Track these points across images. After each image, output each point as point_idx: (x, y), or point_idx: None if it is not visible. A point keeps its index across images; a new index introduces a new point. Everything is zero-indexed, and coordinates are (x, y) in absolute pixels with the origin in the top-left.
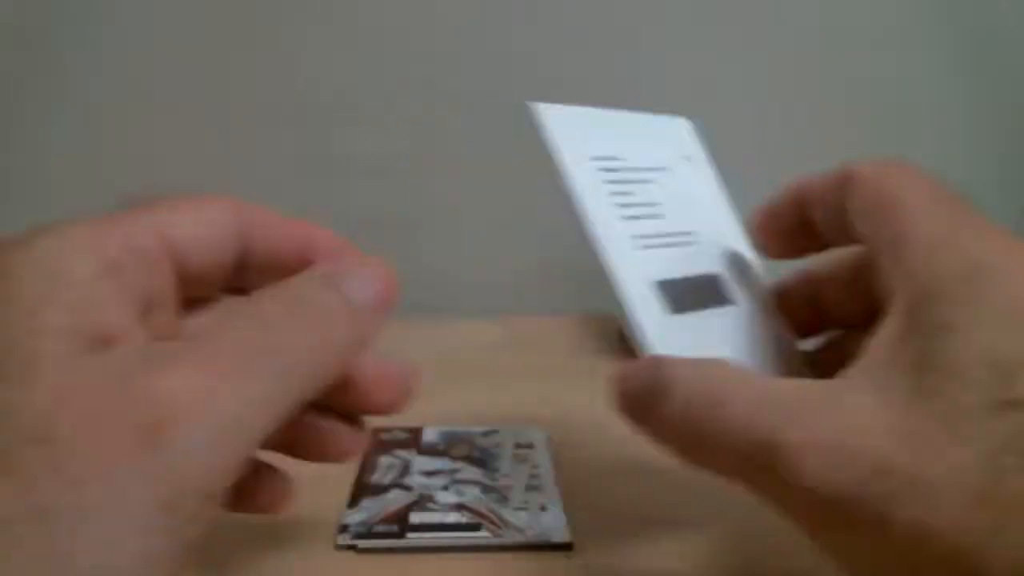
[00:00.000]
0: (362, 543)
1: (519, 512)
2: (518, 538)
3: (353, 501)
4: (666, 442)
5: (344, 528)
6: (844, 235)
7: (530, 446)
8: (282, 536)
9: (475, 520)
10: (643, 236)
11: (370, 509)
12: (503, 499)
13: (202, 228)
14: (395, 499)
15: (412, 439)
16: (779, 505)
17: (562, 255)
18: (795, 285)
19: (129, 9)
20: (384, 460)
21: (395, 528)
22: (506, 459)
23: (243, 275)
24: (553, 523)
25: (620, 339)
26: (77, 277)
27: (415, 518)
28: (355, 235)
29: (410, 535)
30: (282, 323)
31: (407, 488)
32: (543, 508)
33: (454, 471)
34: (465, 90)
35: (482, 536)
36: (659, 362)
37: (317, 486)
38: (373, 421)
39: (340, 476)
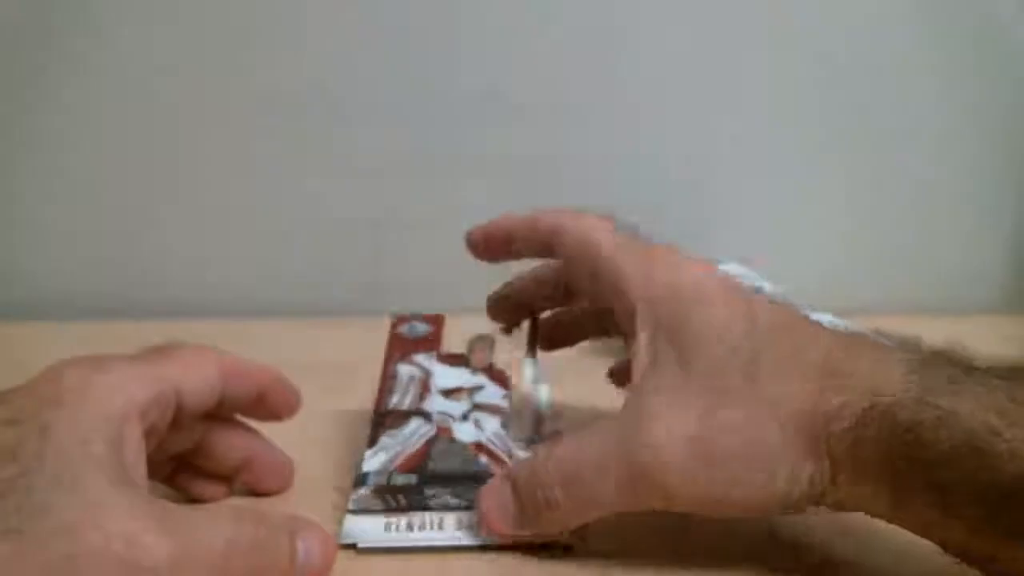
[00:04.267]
0: (363, 542)
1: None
2: None
3: (373, 438)
4: (560, 527)
5: (363, 479)
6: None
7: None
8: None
9: (490, 468)
10: None
11: (389, 449)
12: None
13: (201, 383)
14: (413, 434)
15: (433, 335)
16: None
17: None
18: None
19: (129, 9)
20: (404, 371)
21: (413, 480)
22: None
23: (217, 408)
24: None
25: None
26: (116, 415)
27: (433, 465)
28: (355, 235)
29: (426, 490)
30: (240, 551)
31: (426, 416)
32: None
33: (475, 390)
34: (465, 90)
35: (486, 540)
36: (506, 478)
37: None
38: (392, 305)
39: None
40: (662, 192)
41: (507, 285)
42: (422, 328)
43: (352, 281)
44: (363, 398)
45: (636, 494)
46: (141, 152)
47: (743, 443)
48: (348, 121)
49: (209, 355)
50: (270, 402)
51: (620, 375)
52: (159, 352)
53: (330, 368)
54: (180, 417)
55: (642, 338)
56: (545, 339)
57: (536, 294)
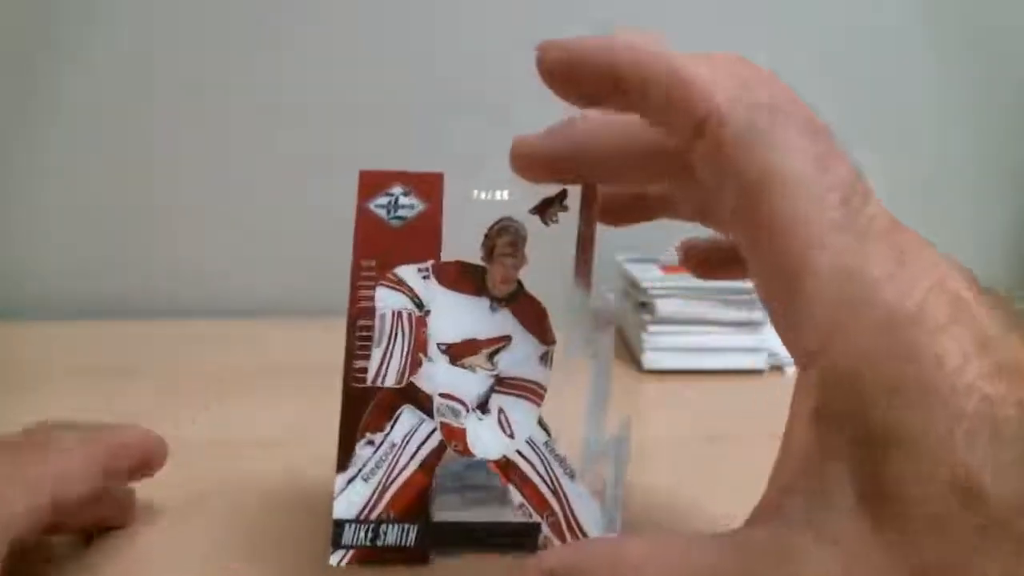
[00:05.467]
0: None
1: (583, 490)
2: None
3: (343, 452)
4: None
5: (339, 534)
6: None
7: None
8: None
9: (531, 519)
10: None
11: (370, 473)
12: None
13: (80, 484)
14: (406, 443)
15: (428, 219)
16: None
17: None
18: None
19: (130, 9)
20: (387, 303)
21: (412, 536)
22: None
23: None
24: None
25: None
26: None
27: (441, 506)
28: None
29: (432, 554)
30: None
31: (422, 404)
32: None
33: (497, 346)
34: (466, 91)
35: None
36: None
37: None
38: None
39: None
40: None
41: (558, 130)
42: (408, 204)
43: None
44: None
45: None
46: (141, 152)
47: None
48: (349, 122)
49: (95, 444)
50: (148, 469)
51: (698, 258)
52: (37, 447)
53: (330, 368)
54: (54, 518)
55: (803, 413)
56: (606, 211)
57: (605, 151)
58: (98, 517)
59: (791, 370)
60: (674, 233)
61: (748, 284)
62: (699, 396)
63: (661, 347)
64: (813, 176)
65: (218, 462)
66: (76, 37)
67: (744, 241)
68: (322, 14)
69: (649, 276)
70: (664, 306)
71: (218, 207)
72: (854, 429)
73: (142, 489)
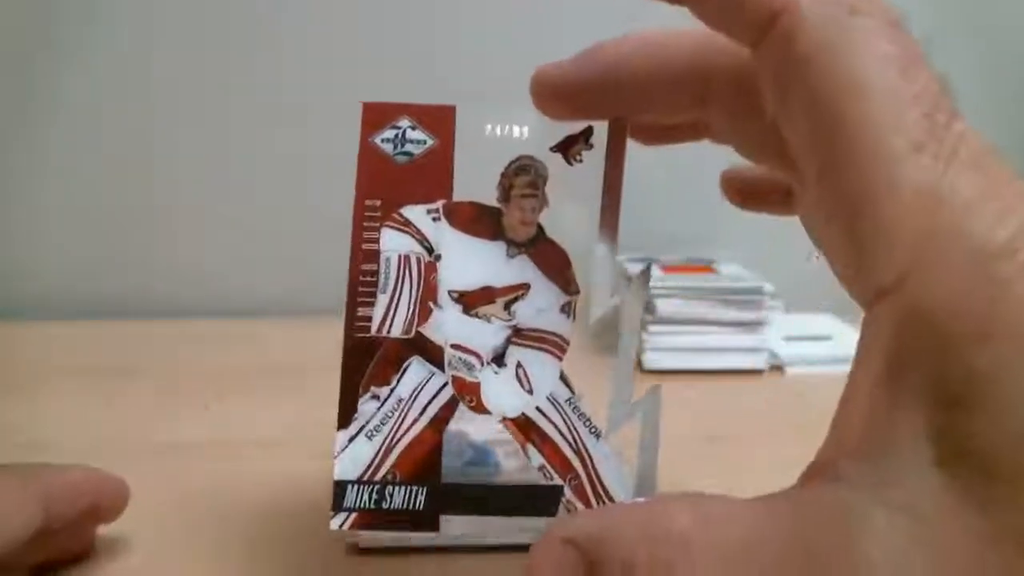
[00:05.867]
0: (364, 538)
1: (609, 451)
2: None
3: (346, 406)
4: None
5: (341, 496)
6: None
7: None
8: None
9: (554, 481)
10: None
11: (375, 429)
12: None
13: (20, 529)
14: (413, 397)
15: (438, 156)
16: None
17: None
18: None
19: (130, 10)
20: (393, 246)
21: (421, 498)
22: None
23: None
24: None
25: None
26: None
27: (451, 468)
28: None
29: (441, 517)
30: None
31: (433, 356)
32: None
33: (514, 295)
34: (466, 92)
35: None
36: (567, 543)
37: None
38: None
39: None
40: (662, 192)
41: (585, 55)
42: (416, 139)
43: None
44: None
45: None
46: (141, 152)
47: None
48: (349, 122)
49: (35, 484)
50: (104, 512)
51: (736, 187)
52: None
53: (330, 368)
54: None
55: (870, 359)
56: (636, 129)
57: (638, 75)
58: (45, 557)
59: (791, 370)
60: (674, 233)
61: (748, 284)
62: (699, 396)
63: (661, 347)
64: (897, 85)
65: (218, 462)
66: (76, 37)
67: (809, 155)
68: (322, 14)
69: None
70: (664, 306)
71: (218, 207)
72: (934, 378)
73: (142, 489)
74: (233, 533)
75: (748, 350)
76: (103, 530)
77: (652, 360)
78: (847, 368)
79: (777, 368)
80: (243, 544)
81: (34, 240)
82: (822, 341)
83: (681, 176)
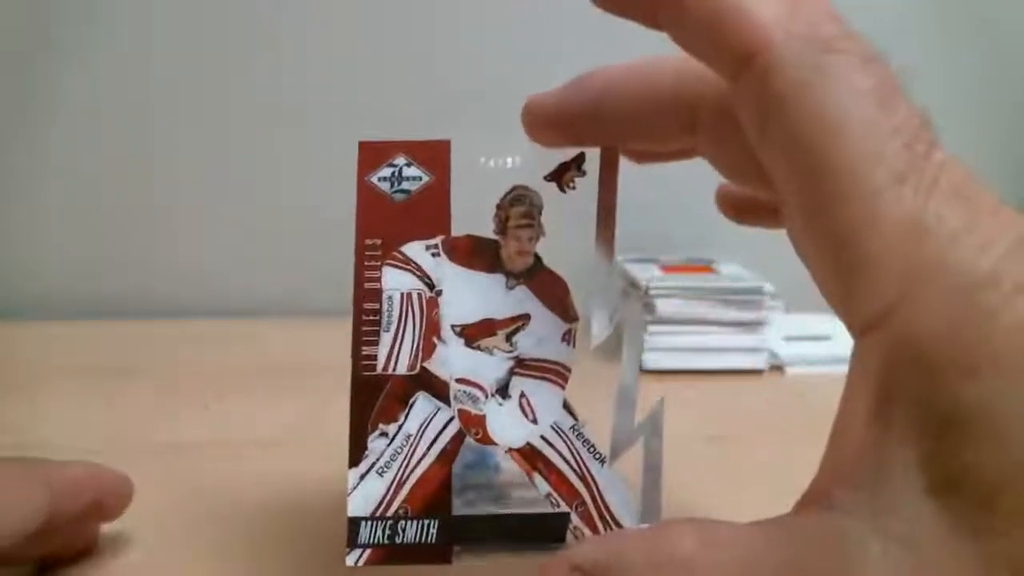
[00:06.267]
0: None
1: (618, 479)
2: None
3: (356, 446)
4: None
5: (355, 533)
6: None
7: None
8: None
9: (560, 509)
10: None
11: (385, 465)
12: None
13: (21, 521)
14: (421, 433)
15: (435, 191)
16: None
17: None
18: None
19: (130, 10)
20: (394, 283)
21: (433, 532)
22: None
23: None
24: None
25: None
26: None
27: (463, 499)
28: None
29: (454, 550)
30: None
31: (438, 391)
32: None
33: (515, 326)
34: (466, 92)
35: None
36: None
37: None
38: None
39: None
40: (662, 192)
41: (574, 84)
42: (412, 176)
43: (352, 281)
44: None
45: None
46: (141, 152)
47: None
48: (349, 122)
49: (38, 478)
50: (107, 509)
51: (730, 202)
52: None
53: (331, 368)
54: None
55: (861, 389)
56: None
57: (626, 103)
58: (49, 551)
59: (791, 370)
60: (674, 233)
61: (748, 284)
62: (699, 396)
63: (661, 347)
64: (875, 119)
65: (218, 462)
66: (76, 37)
67: (791, 192)
68: (322, 14)
69: (649, 276)
70: (664, 306)
71: (218, 207)
72: (923, 408)
73: (142, 489)
74: (233, 533)
75: (748, 350)
76: (104, 529)
77: (652, 360)
78: (847, 368)
79: (777, 368)
80: (243, 544)
81: (34, 240)
82: (822, 341)
83: (681, 176)
